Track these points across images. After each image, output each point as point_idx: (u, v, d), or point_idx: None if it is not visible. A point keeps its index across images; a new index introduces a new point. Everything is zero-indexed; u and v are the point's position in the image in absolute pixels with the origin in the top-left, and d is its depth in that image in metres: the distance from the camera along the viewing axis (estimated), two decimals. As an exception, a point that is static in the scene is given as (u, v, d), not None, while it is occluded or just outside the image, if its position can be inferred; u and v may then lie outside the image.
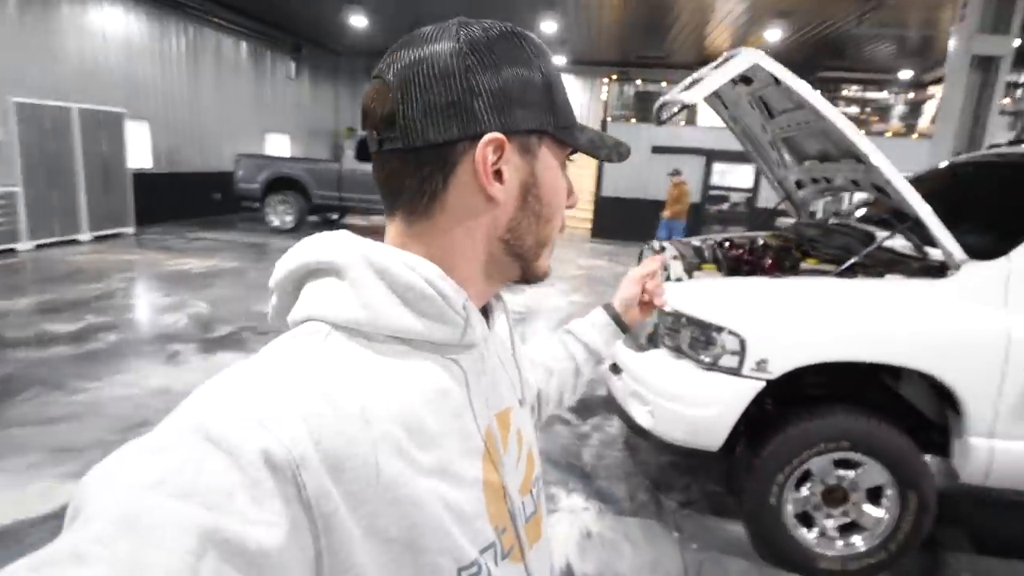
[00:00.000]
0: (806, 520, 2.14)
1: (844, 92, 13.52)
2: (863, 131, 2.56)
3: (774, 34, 9.74)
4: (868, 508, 2.08)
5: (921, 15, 8.94)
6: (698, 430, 2.14)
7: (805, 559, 2.12)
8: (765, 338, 1.98)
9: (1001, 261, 1.89)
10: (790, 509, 2.10)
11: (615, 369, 2.53)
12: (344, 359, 0.43)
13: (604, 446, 3.13)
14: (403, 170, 0.47)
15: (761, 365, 1.99)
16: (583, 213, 12.89)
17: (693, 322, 2.15)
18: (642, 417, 2.29)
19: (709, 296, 2.15)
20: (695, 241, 3.06)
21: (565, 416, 3.42)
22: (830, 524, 2.12)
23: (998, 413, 1.88)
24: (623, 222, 11.71)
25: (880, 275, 2.03)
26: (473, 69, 0.46)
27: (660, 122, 2.54)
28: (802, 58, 11.84)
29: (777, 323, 2.00)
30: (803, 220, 3.19)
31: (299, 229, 9.78)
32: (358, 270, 0.45)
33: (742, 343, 2.00)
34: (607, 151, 0.53)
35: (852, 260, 2.12)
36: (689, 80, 2.47)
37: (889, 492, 2.04)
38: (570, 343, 0.87)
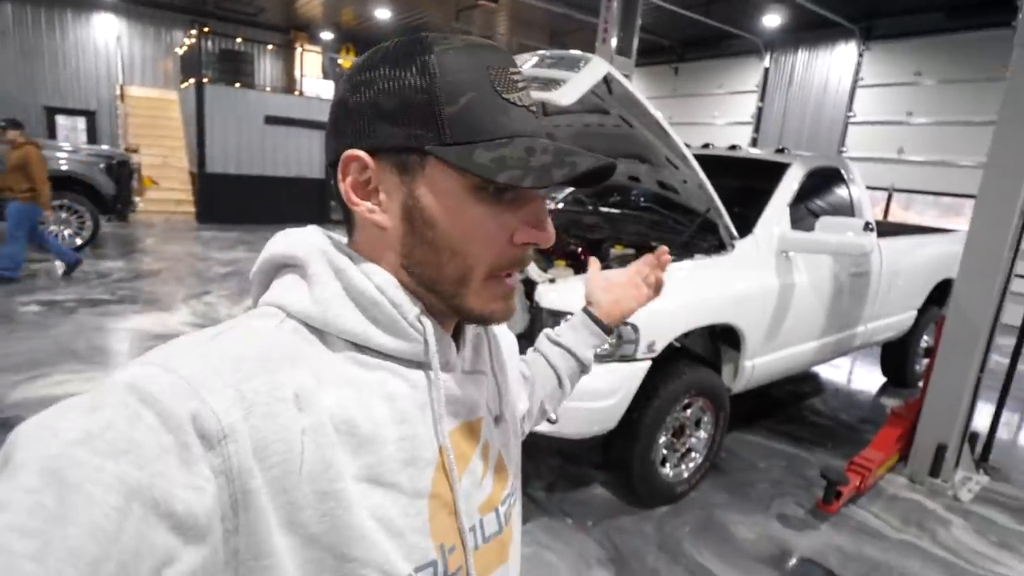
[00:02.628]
0: (662, 461, 2.60)
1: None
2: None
3: (382, 13, 10.04)
4: (697, 434, 2.69)
5: (494, 19, 10.81)
6: (601, 419, 2.28)
7: (670, 491, 2.60)
8: (652, 322, 2.25)
9: (750, 237, 2.69)
10: (658, 457, 2.52)
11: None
12: (289, 345, 0.42)
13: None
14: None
15: (651, 347, 2.26)
16: (180, 195, 10.62)
17: (585, 319, 2.23)
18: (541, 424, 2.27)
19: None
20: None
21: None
22: (676, 457, 2.65)
23: (759, 341, 2.72)
24: (236, 203, 10.15)
25: (691, 256, 2.56)
26: (353, 89, 0.45)
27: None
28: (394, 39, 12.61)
29: (656, 307, 2.29)
30: (555, 208, 3.62)
31: None
32: (317, 266, 0.45)
33: (636, 330, 2.22)
34: (518, 173, 0.42)
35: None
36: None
37: (706, 417, 2.69)
38: (553, 355, 0.84)
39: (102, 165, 6.97)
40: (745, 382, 2.81)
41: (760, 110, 9.65)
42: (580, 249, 2.81)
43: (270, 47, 12.23)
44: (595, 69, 2.15)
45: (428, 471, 0.45)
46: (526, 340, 2.35)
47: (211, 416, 0.35)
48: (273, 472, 0.37)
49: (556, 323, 2.20)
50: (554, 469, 2.90)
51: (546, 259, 2.60)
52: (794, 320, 2.90)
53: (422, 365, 0.47)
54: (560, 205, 3.61)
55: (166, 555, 0.31)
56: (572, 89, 2.09)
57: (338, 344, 0.44)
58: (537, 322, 2.31)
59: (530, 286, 2.37)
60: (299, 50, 11.53)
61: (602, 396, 2.24)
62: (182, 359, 0.37)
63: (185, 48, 10.69)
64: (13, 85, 10.76)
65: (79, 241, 6.87)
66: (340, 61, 12.22)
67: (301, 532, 0.38)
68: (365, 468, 0.42)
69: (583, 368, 0.85)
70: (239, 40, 10.55)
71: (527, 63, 2.40)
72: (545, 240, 0.46)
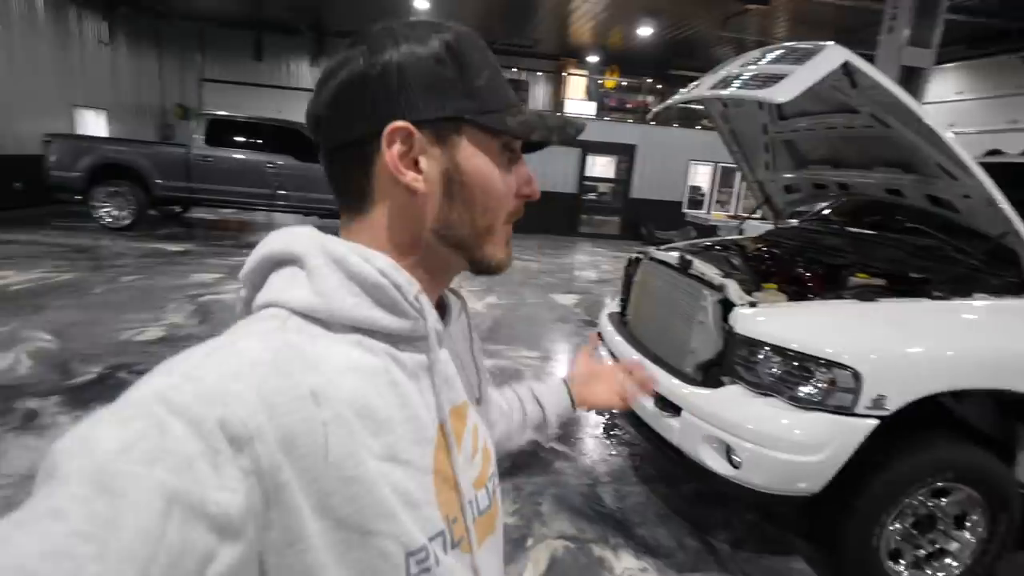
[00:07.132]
0: (894, 554, 2.01)
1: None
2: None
3: (645, 31, 10.11)
4: (956, 534, 2.01)
5: (769, 22, 9.90)
6: (799, 477, 1.88)
7: (899, 596, 1.99)
8: (882, 371, 1.77)
9: (1081, 276, 1.89)
10: (886, 546, 1.96)
11: (669, 407, 2.19)
12: (298, 343, 0.44)
13: (617, 481, 2.80)
14: (334, 169, 0.52)
15: (878, 402, 1.78)
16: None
17: (787, 354, 1.88)
18: (720, 464, 1.99)
19: (805, 325, 1.90)
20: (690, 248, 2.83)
21: (559, 449, 3.03)
22: (919, 555, 2.02)
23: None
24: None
25: (967, 294, 1.93)
26: (373, 62, 0.48)
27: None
28: (658, 56, 12.54)
29: (892, 353, 1.81)
30: (793, 225, 3.13)
31: (137, 226, 7.99)
32: (316, 259, 0.47)
33: (857, 378, 1.77)
34: (545, 132, 0.51)
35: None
36: (723, 75, 2.19)
37: (975, 516, 1.98)
38: (527, 399, 0.86)
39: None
40: (1054, 480, 1.97)
41: None
42: (809, 274, 2.37)
43: (539, 74, 13.57)
44: (825, 60, 1.81)
45: (429, 449, 0.49)
46: (716, 367, 2.11)
47: (237, 420, 0.37)
48: (302, 464, 0.39)
49: (751, 352, 1.95)
50: (747, 524, 2.50)
51: (753, 279, 2.26)
52: None
53: (419, 345, 0.50)
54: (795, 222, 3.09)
55: (207, 553, 0.34)
56: (791, 85, 1.79)
57: (344, 332, 0.46)
58: (730, 348, 2.03)
59: (727, 307, 2.10)
60: (564, 75, 12.50)
61: (803, 449, 1.84)
62: (204, 368, 0.39)
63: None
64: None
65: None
66: (601, 82, 12.75)
67: (332, 516, 0.41)
68: (386, 447, 0.45)
69: (540, 428, 0.87)
70: (514, 70, 11.91)
71: (759, 60, 2.14)
72: (536, 194, 0.56)
